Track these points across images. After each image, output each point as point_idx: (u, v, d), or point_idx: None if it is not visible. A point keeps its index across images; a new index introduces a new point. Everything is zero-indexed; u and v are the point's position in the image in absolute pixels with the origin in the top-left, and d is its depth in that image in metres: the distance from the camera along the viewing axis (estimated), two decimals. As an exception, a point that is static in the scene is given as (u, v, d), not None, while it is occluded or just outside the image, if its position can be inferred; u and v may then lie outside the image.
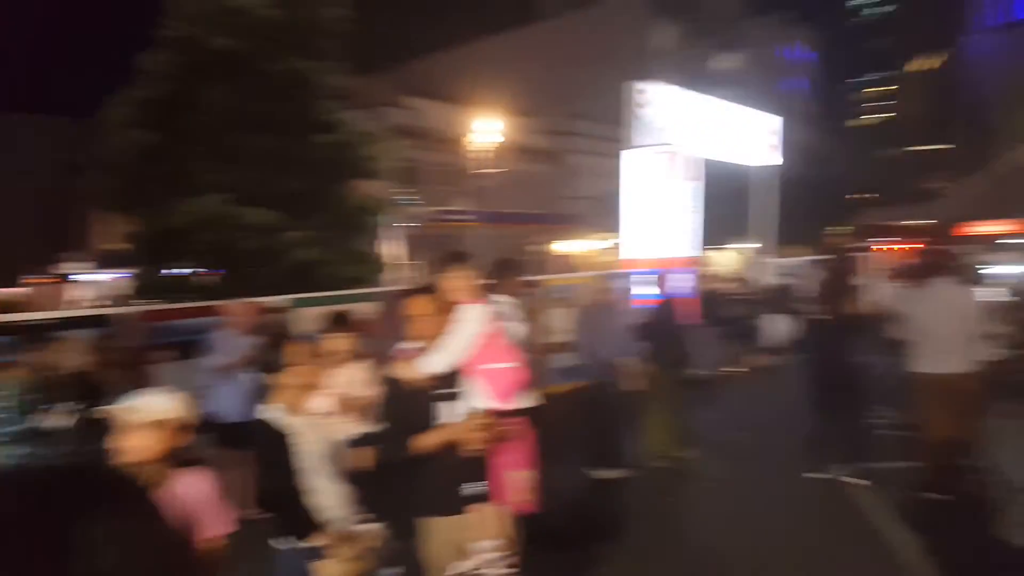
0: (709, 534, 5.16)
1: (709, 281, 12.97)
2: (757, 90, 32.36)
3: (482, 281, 3.27)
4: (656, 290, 7.33)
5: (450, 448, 2.80)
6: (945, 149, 39.57)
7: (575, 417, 6.26)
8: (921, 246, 9.91)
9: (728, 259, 21.71)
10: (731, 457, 6.82)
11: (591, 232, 28.49)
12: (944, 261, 5.93)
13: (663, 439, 6.72)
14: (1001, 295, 8.96)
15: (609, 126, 20.20)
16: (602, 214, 23.24)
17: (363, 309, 6.21)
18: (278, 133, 12.82)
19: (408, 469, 2.81)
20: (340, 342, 3.86)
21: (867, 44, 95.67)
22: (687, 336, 7.17)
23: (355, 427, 3.25)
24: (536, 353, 4.88)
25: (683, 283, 10.61)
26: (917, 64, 48.78)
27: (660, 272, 7.45)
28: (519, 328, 4.76)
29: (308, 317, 6.31)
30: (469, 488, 2.87)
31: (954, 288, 5.56)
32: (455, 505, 2.86)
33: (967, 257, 10.62)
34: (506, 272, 4.82)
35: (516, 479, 3.17)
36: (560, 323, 7.24)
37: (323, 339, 3.78)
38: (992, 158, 33.07)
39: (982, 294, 6.73)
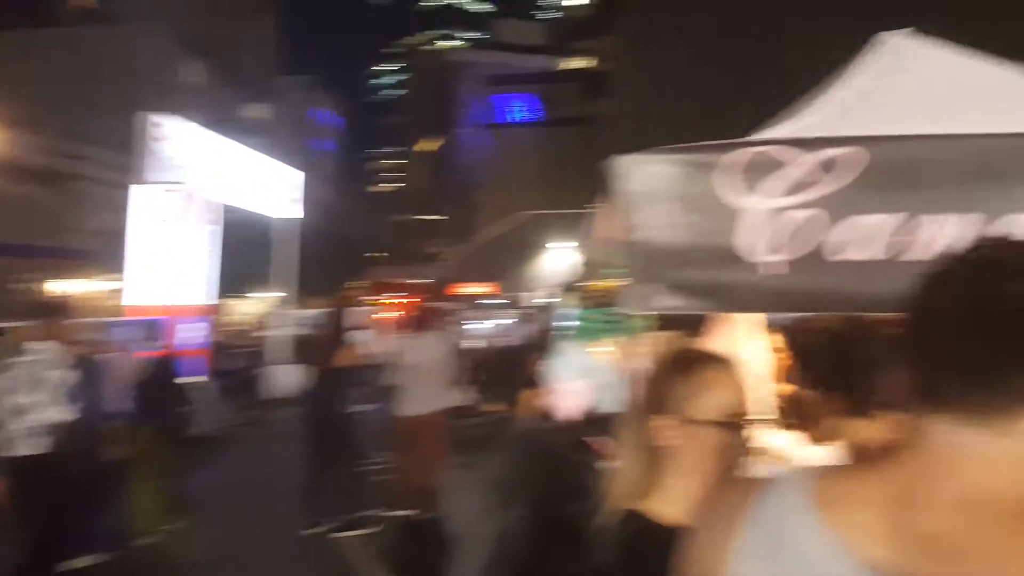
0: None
1: (222, 332, 12.53)
2: (284, 145, 33.06)
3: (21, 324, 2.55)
4: (158, 341, 6.74)
5: None
6: (442, 219, 46.15)
7: (41, 492, 5.21)
8: (415, 302, 11.29)
9: (248, 308, 21.34)
10: (229, 521, 6.44)
11: (96, 272, 24.91)
12: (432, 316, 6.83)
13: (152, 511, 6.03)
14: (476, 347, 10.64)
15: (124, 156, 18.11)
16: (110, 252, 20.53)
17: None
18: None
19: None
20: None
21: (384, 120, 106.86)
22: (189, 392, 6.70)
23: None
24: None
25: (193, 333, 10.01)
26: (421, 145, 56.79)
27: (164, 321, 6.89)
28: (66, 377, 4.22)
29: None
30: None
31: (437, 339, 6.41)
32: None
33: (453, 313, 12.42)
34: (50, 314, 4.29)
35: None
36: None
37: None
38: (477, 230, 39.70)
39: (462, 345, 7.85)
